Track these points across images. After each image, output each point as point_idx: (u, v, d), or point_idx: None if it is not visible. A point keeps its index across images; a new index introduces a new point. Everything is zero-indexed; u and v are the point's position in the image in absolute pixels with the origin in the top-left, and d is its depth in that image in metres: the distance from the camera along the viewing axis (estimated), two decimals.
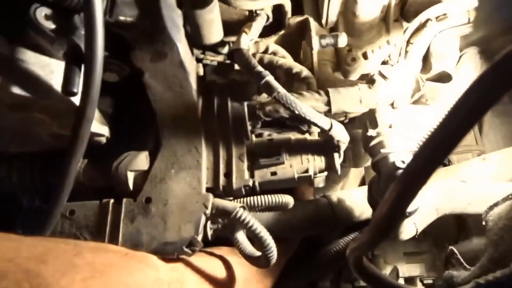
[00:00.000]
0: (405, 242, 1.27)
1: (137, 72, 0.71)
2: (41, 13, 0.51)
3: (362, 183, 1.28)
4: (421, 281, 1.29)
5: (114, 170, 0.75)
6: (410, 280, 1.28)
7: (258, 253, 0.72)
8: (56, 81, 0.58)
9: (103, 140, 0.77)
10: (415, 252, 1.30)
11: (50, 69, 0.57)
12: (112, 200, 0.73)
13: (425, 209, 0.88)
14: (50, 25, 0.52)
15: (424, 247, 1.31)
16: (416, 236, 0.87)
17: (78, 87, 0.53)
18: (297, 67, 0.93)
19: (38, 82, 0.57)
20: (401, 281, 1.23)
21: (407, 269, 1.28)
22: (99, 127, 0.74)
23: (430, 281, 1.27)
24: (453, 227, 1.33)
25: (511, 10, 0.99)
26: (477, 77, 0.37)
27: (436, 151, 0.40)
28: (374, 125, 0.86)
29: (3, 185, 0.79)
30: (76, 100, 0.59)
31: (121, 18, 0.59)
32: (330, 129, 0.75)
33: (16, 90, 0.58)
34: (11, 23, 0.52)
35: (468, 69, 1.07)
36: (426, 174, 0.41)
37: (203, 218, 0.71)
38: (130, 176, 0.75)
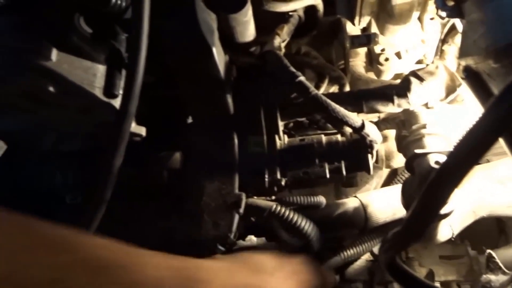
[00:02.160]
0: (441, 245, 1.23)
1: (172, 74, 0.73)
2: (84, 21, 0.55)
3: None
4: (458, 285, 1.25)
5: (149, 169, 0.78)
6: (446, 284, 1.24)
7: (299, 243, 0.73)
8: (98, 83, 0.61)
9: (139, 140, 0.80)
10: (451, 256, 1.27)
11: (92, 73, 0.60)
12: (147, 199, 0.76)
13: (461, 211, 0.86)
14: (92, 32, 0.56)
15: (461, 250, 1.27)
16: (453, 239, 0.85)
17: (119, 90, 0.56)
18: (329, 68, 0.93)
19: (81, 84, 0.60)
20: (436, 285, 1.20)
21: (443, 273, 1.25)
22: (137, 127, 0.77)
23: (467, 286, 1.23)
24: (493, 230, 1.29)
25: None
26: None
27: (471, 151, 0.40)
28: (408, 125, 0.85)
29: (45, 182, 0.83)
30: (116, 102, 0.62)
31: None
32: (362, 129, 0.74)
33: (60, 91, 0.61)
34: (57, 30, 0.55)
35: None
36: (459, 175, 0.41)
37: (236, 217, 0.72)
38: (165, 175, 0.77)
